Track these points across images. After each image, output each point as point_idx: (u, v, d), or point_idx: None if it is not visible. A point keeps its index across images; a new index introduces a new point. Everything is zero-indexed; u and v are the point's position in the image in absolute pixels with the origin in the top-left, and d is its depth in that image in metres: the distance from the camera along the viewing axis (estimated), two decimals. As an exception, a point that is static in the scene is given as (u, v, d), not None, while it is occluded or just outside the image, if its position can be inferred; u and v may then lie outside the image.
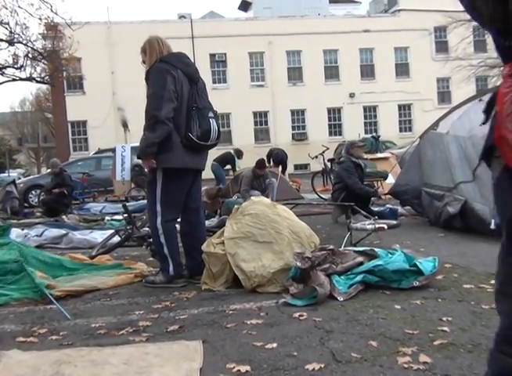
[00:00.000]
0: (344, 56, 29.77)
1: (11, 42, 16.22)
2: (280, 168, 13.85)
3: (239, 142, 24.48)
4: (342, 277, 3.62)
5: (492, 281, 3.35)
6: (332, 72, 30.14)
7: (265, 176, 9.84)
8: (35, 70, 17.97)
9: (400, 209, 7.76)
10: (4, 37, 16.10)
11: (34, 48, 16.95)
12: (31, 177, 19.56)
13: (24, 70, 17.16)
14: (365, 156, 10.07)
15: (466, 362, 2.29)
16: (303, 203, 9.08)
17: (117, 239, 5.68)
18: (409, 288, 3.53)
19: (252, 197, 4.58)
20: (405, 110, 30.82)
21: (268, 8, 31.63)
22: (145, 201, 7.07)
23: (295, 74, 29.93)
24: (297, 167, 26.79)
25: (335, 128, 30.26)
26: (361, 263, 3.74)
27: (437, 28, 27.12)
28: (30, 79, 17.82)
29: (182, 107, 3.95)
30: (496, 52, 1.20)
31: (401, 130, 30.52)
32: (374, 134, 20.17)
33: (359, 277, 3.60)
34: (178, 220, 4.28)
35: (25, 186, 15.67)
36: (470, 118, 6.18)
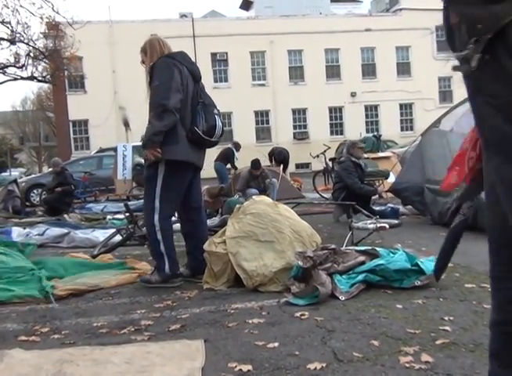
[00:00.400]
0: (346, 55, 29.74)
1: (12, 41, 16.21)
2: (282, 166, 13.87)
3: (241, 141, 24.18)
4: (344, 276, 3.62)
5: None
6: (333, 71, 30.11)
7: (265, 176, 9.85)
8: (37, 70, 17.97)
9: (401, 208, 7.76)
10: (5, 37, 16.09)
11: (36, 47, 16.93)
12: (33, 176, 19.61)
13: (26, 69, 17.15)
14: (366, 155, 10.08)
15: (468, 361, 2.29)
16: (304, 202, 9.08)
17: (118, 238, 5.69)
18: (411, 288, 3.52)
19: (254, 197, 4.58)
20: (406, 109, 30.79)
21: (269, 7, 31.61)
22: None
23: (296, 73, 29.90)
24: (298, 166, 26.77)
25: (336, 127, 30.24)
26: (362, 262, 3.73)
27: (438, 27, 27.03)
28: (31, 78, 17.82)
29: (188, 102, 3.95)
30: None
31: (402, 129, 30.50)
32: (375, 133, 20.12)
33: (361, 276, 3.60)
34: (174, 219, 4.29)
35: (27, 185, 15.70)
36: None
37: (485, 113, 1.16)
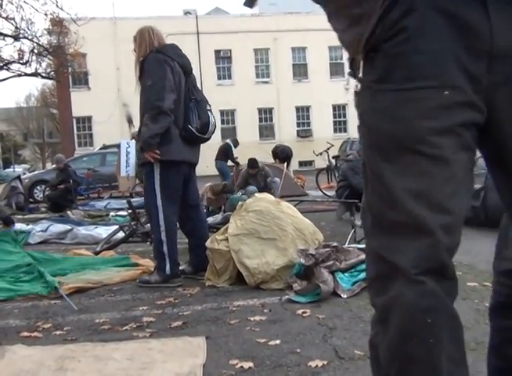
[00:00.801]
0: (350, 52, 29.65)
1: (16, 38, 16.21)
2: (285, 164, 13.85)
3: (244, 139, 24.38)
4: (346, 274, 3.62)
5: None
6: (337, 69, 30.06)
7: (266, 174, 9.84)
8: (40, 66, 17.94)
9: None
10: (9, 33, 16.09)
11: (40, 43, 16.91)
12: (36, 172, 19.61)
13: (30, 65, 17.14)
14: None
15: (469, 360, 2.27)
16: (307, 200, 9.08)
17: (121, 235, 5.70)
18: (413, 286, 3.51)
19: (256, 194, 4.59)
20: (410, 106, 30.70)
21: (273, 4, 31.56)
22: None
23: (300, 71, 29.87)
24: (301, 163, 26.75)
25: (340, 125, 30.21)
26: (365, 260, 3.73)
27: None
28: (35, 75, 17.81)
29: (180, 99, 3.93)
30: None
31: (406, 127, 30.42)
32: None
33: (363, 274, 3.59)
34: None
35: (30, 181, 15.71)
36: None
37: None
